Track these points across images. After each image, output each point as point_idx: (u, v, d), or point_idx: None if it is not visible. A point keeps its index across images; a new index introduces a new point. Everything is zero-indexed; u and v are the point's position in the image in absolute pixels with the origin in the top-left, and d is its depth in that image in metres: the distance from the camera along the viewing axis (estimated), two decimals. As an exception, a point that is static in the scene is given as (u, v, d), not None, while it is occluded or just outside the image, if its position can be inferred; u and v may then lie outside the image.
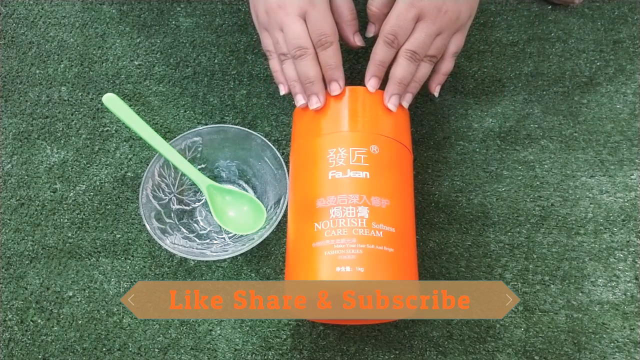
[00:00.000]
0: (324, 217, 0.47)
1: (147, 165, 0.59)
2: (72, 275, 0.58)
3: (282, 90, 0.55)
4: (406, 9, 0.49)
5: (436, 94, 0.56)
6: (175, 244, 0.54)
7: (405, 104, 0.53)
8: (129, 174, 0.62)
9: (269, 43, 0.54)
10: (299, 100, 0.53)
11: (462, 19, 0.51)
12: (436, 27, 0.50)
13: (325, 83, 0.52)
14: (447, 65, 0.54)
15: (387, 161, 0.49)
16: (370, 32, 0.54)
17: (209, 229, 0.59)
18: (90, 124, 0.64)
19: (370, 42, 0.54)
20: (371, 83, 0.52)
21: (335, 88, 0.51)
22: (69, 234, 0.60)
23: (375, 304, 0.47)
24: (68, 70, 0.67)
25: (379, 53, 0.51)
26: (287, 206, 0.53)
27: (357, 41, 0.54)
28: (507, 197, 0.59)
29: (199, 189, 0.58)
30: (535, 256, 0.57)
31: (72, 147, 0.63)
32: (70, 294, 0.57)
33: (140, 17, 0.69)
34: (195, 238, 0.57)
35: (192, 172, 0.56)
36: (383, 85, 0.53)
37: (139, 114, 0.56)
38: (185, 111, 0.64)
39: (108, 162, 0.62)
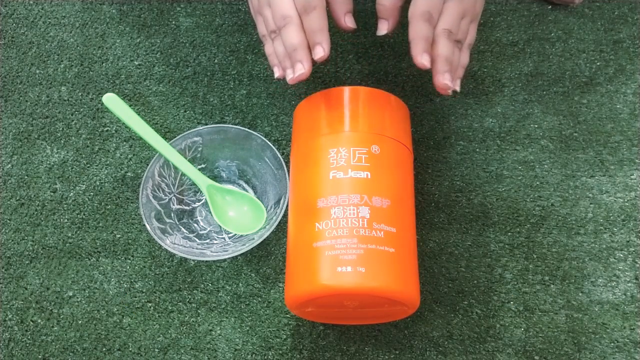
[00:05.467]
0: (325, 217, 0.47)
1: (147, 165, 0.59)
2: (72, 275, 0.58)
3: (276, 73, 0.53)
4: None
5: (458, 89, 0.53)
6: (175, 244, 0.54)
7: (457, 87, 0.51)
8: (129, 174, 0.62)
9: (262, 27, 0.53)
10: (288, 75, 0.51)
11: (477, 7, 0.51)
12: (462, 7, 0.49)
13: (310, 49, 0.50)
14: (464, 57, 0.53)
15: (388, 161, 0.49)
16: (383, 29, 0.51)
17: (209, 229, 0.59)
18: (90, 124, 0.64)
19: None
20: (425, 58, 0.49)
21: (318, 51, 0.49)
22: (69, 234, 0.60)
23: (375, 304, 0.47)
24: (68, 70, 0.67)
25: (421, 30, 0.49)
26: (287, 206, 0.53)
27: (347, 22, 0.52)
28: (507, 197, 0.59)
29: (199, 189, 0.58)
30: (535, 256, 0.57)
31: (72, 147, 0.63)
32: (70, 294, 0.57)
33: (140, 17, 0.69)
34: (195, 238, 0.57)
35: (192, 172, 0.56)
36: (383, 87, 0.52)
37: (139, 114, 0.56)
38: (185, 111, 0.64)
39: (108, 162, 0.62)
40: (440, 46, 0.49)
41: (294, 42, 0.49)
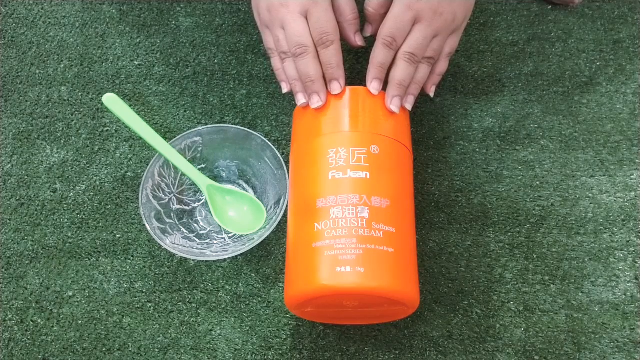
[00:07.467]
0: (324, 217, 0.47)
1: (147, 165, 0.59)
2: (72, 275, 0.58)
3: (284, 89, 0.55)
4: (403, 11, 0.50)
5: (431, 94, 0.56)
6: (175, 244, 0.54)
7: (408, 106, 0.53)
8: (129, 174, 0.62)
9: (270, 41, 0.54)
10: (300, 100, 0.53)
11: (457, 20, 0.52)
12: (432, 29, 0.50)
13: (326, 82, 0.52)
14: (441, 66, 0.55)
15: (387, 161, 0.49)
16: (368, 31, 0.55)
17: (209, 229, 0.59)
18: (90, 124, 0.64)
19: (371, 42, 0.54)
20: (373, 85, 0.52)
21: (335, 87, 0.52)
22: (69, 234, 0.60)
23: (375, 304, 0.47)
24: (68, 70, 0.67)
25: (379, 55, 0.51)
26: (287, 206, 0.53)
27: (357, 41, 0.54)
28: (507, 197, 0.59)
29: (199, 189, 0.58)
30: (535, 256, 0.57)
31: (72, 147, 0.63)
32: (70, 294, 0.57)
33: (140, 17, 0.69)
34: (195, 238, 0.57)
35: (192, 172, 0.56)
36: (384, 87, 0.53)
37: (139, 114, 0.56)
38: (185, 111, 0.64)
39: (108, 162, 0.62)
40: (397, 70, 0.52)
41: (311, 73, 0.51)
